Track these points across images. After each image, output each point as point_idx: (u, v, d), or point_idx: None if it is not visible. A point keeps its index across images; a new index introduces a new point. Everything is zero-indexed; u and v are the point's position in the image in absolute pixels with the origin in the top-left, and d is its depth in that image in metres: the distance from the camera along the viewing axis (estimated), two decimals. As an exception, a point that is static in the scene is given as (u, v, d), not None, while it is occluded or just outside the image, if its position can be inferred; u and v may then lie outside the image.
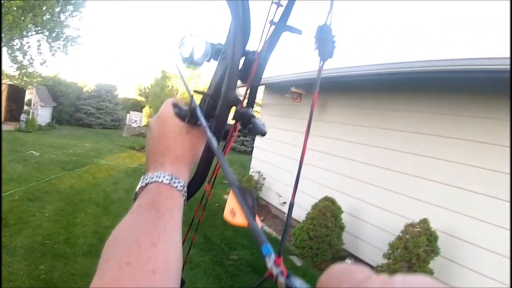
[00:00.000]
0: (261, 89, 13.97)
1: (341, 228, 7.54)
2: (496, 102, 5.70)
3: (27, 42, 18.89)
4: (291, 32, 0.92)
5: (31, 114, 24.38)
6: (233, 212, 0.66)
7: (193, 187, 0.89)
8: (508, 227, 5.16)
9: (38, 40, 19.79)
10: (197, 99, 0.93)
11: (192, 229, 1.06)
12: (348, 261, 7.14)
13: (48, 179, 10.81)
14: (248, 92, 0.90)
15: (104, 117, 34.84)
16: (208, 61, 0.95)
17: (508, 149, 5.36)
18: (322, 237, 7.29)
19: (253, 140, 15.42)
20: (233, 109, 0.84)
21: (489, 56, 5.26)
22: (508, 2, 6.70)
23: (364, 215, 7.77)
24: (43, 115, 27.77)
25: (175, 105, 0.97)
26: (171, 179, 0.79)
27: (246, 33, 0.85)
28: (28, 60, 19.12)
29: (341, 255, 7.63)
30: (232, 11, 0.83)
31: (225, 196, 12.08)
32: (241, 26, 0.84)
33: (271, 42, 0.91)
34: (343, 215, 7.60)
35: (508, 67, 4.76)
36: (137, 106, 40.01)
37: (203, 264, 6.72)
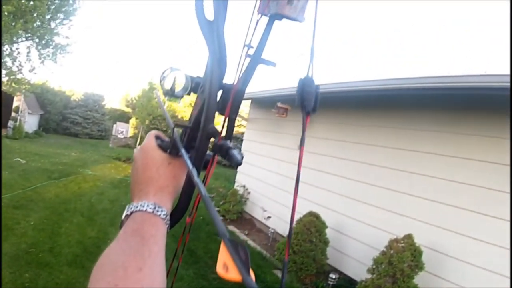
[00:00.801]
0: (247, 104, 14.04)
1: (325, 243, 7.58)
2: (479, 119, 5.86)
3: (17, 48, 18.84)
4: (265, 64, 1.00)
5: (18, 121, 24.30)
6: (226, 266, 0.69)
7: (176, 216, 0.94)
8: (492, 241, 5.29)
9: (28, 47, 19.76)
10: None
11: (177, 257, 1.10)
12: (332, 275, 7.19)
13: (33, 187, 10.79)
14: (225, 123, 0.96)
15: (91, 127, 34.78)
16: (188, 94, 1.04)
17: (492, 165, 5.53)
18: (306, 251, 7.34)
19: (238, 154, 15.42)
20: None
21: (470, 73, 5.35)
22: (508, 2, 6.79)
23: (348, 230, 7.83)
24: (30, 123, 27.71)
25: (157, 137, 1.04)
26: (155, 208, 0.85)
27: (223, 67, 0.91)
28: (17, 66, 19.08)
29: (325, 269, 7.65)
30: (209, 46, 0.90)
31: (210, 210, 12.14)
32: (218, 61, 0.90)
33: (246, 75, 0.97)
34: (327, 230, 7.65)
35: (489, 84, 4.91)
36: (124, 117, 39.94)
37: (187, 277, 6.73)
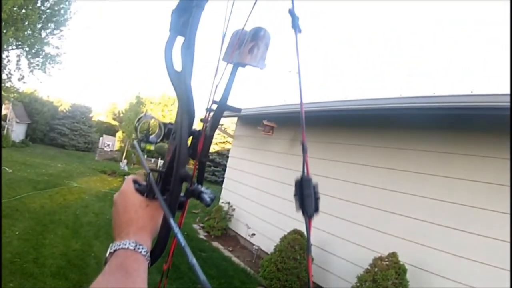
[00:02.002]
0: (233, 121, 14.15)
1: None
2: (464, 138, 6.01)
3: (7, 56, 18.83)
4: (230, 111, 1.12)
5: (6, 129, 24.20)
6: None
7: (156, 253, 1.02)
8: (475, 258, 5.39)
9: (18, 55, 19.78)
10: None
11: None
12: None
13: (19, 197, 10.75)
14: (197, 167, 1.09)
15: (77, 139, 34.65)
16: (162, 140, 1.15)
17: (475, 183, 5.66)
18: (290, 269, 7.39)
19: (224, 170, 15.47)
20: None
21: (457, 93, 5.46)
22: (508, 2, 6.89)
23: (332, 248, 7.87)
24: (17, 132, 27.59)
25: (135, 181, 1.13)
26: (136, 245, 0.94)
27: (191, 115, 1.00)
28: (7, 74, 19.05)
29: (309, 287, 7.66)
30: (178, 95, 0.99)
31: (194, 225, 12.14)
32: (187, 110, 0.99)
33: (214, 121, 1.10)
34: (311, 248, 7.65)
35: (475, 104, 5.04)
36: (111, 130, 39.91)
37: (170, 292, 6.73)
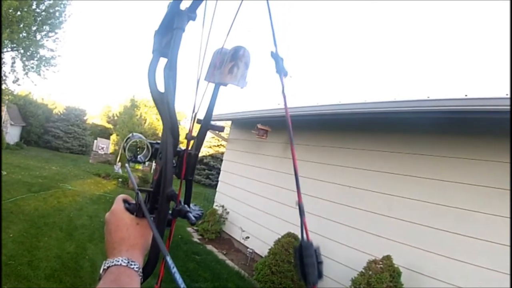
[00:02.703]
0: (227, 124, 14.15)
1: (304, 264, 7.60)
2: (457, 142, 6.06)
3: (2, 58, 18.78)
4: (213, 130, 1.17)
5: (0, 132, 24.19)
6: None
7: (148, 270, 1.06)
8: (469, 260, 5.43)
9: (13, 57, 19.75)
10: None
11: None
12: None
13: (13, 199, 10.75)
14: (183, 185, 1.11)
15: (72, 142, 34.59)
16: (150, 160, 1.20)
17: (467, 186, 5.71)
18: (284, 272, 7.42)
19: (218, 174, 15.48)
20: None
21: (451, 97, 5.49)
22: (508, 2, 6.91)
23: (327, 251, 7.86)
24: (12, 134, 27.54)
25: (125, 201, 1.18)
26: (128, 262, 0.98)
27: (175, 135, 1.03)
28: (2, 76, 19.01)
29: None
30: (162, 117, 1.02)
31: (188, 229, 12.14)
32: (171, 130, 1.02)
33: (199, 140, 1.16)
34: (305, 251, 7.67)
35: (469, 107, 5.08)
36: (105, 133, 39.79)
37: (164, 294, 6.72)
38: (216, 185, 14.47)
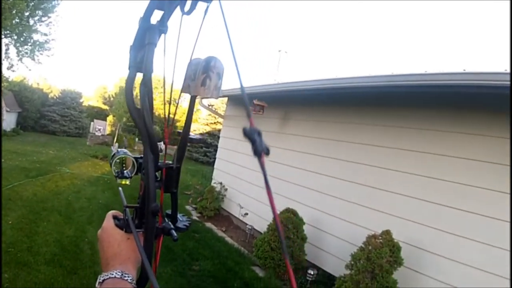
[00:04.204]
0: (224, 100, 14.13)
1: (303, 239, 7.69)
2: (456, 116, 6.02)
3: (1, 50, 18.71)
4: (192, 142, 1.20)
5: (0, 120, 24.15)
6: None
7: (141, 283, 1.11)
8: (468, 235, 5.45)
9: (6, 44, 19.63)
10: None
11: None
12: (310, 271, 7.27)
13: (11, 186, 10.77)
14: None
15: (68, 125, 34.53)
16: (136, 174, 1.22)
17: (466, 161, 5.71)
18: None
19: (215, 151, 15.47)
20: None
21: (450, 71, 5.45)
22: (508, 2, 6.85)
23: (326, 226, 7.93)
24: (8, 121, 27.50)
25: (114, 217, 1.23)
26: (122, 274, 1.03)
27: (155, 151, 1.06)
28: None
29: (303, 265, 7.74)
30: (140, 131, 1.04)
31: (187, 207, 12.19)
32: (150, 145, 1.05)
33: (179, 153, 1.20)
34: (305, 227, 7.75)
35: (466, 82, 5.05)
36: (101, 115, 39.69)
37: (165, 275, 6.77)
38: (213, 163, 14.47)
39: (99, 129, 31.38)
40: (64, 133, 34.15)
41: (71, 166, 16.48)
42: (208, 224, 10.79)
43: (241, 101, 11.80)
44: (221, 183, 12.30)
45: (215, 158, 14.23)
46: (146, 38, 1.03)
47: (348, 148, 7.81)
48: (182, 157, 1.20)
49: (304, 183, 8.71)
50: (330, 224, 7.85)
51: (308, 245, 7.80)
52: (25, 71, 44.00)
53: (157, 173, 1.14)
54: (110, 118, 35.53)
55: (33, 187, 11.27)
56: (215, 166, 13.76)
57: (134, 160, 1.22)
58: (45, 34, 21.52)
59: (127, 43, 1.06)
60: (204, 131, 30.23)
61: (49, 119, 33.91)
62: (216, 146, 15.59)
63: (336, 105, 8.45)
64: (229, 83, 9.99)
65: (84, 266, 6.50)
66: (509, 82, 4.39)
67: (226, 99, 13.70)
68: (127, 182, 1.22)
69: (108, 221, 1.21)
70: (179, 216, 1.30)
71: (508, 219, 4.95)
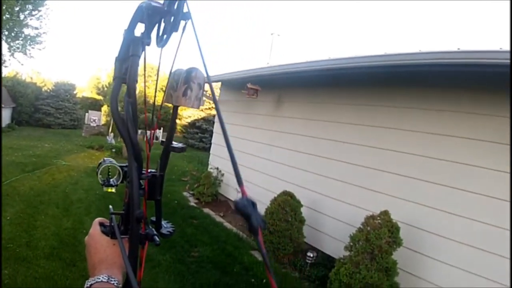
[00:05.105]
0: (218, 85, 14.12)
1: (301, 221, 7.72)
2: (453, 96, 6.01)
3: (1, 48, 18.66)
4: (175, 151, 1.24)
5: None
6: None
7: (127, 287, 1.13)
8: (467, 215, 5.48)
9: (-3, 40, 19.59)
10: None
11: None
12: (310, 254, 7.31)
13: (8, 181, 10.77)
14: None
15: (63, 117, 34.37)
16: (122, 182, 1.27)
17: (464, 140, 5.72)
18: (282, 231, 7.45)
19: (211, 136, 15.48)
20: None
21: (443, 50, 5.44)
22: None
23: (324, 208, 7.96)
24: (2, 116, 27.39)
25: (101, 224, 1.28)
26: (108, 278, 1.07)
27: (139, 160, 1.09)
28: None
29: (302, 248, 7.81)
30: (125, 142, 1.06)
31: (184, 193, 12.22)
32: (134, 156, 1.07)
33: (163, 162, 1.26)
34: (302, 209, 7.78)
35: (459, 60, 5.05)
36: (96, 105, 39.57)
37: (164, 262, 6.82)
38: (209, 148, 14.47)
39: (94, 120, 31.30)
40: (59, 126, 33.99)
41: (67, 158, 16.50)
42: (206, 210, 10.83)
43: (234, 85, 11.78)
44: (217, 168, 12.31)
45: (210, 144, 14.24)
46: (130, 50, 1.06)
47: (344, 129, 7.80)
48: (165, 165, 1.26)
49: (301, 166, 8.72)
50: (328, 206, 7.87)
51: (306, 227, 7.84)
52: (17, 66, 43.86)
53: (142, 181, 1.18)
54: (104, 108, 35.39)
55: (30, 182, 11.29)
56: (210, 152, 13.80)
57: (120, 168, 1.26)
58: (36, 28, 21.52)
59: (119, 32, 1.09)
60: (199, 117, 30.19)
61: (43, 113, 33.75)
62: (211, 132, 15.60)
63: (330, 87, 8.43)
64: (221, 67, 10.01)
65: (83, 258, 6.50)
66: (508, 60, 4.39)
67: (219, 84, 13.69)
68: (113, 190, 1.25)
69: (95, 228, 1.26)
70: (163, 222, 1.35)
71: (508, 198, 4.98)
